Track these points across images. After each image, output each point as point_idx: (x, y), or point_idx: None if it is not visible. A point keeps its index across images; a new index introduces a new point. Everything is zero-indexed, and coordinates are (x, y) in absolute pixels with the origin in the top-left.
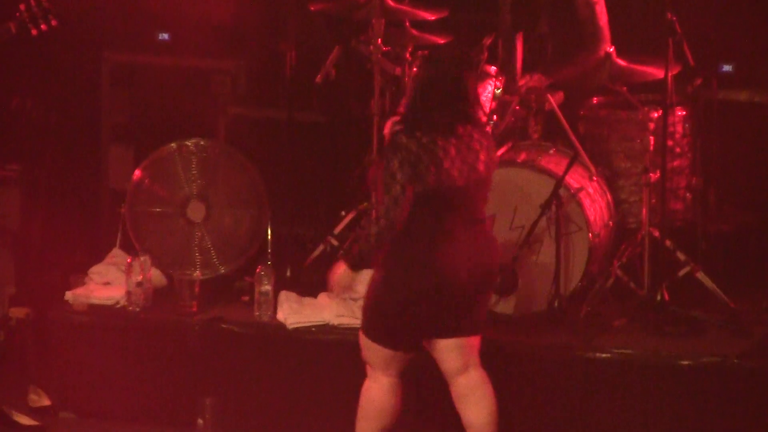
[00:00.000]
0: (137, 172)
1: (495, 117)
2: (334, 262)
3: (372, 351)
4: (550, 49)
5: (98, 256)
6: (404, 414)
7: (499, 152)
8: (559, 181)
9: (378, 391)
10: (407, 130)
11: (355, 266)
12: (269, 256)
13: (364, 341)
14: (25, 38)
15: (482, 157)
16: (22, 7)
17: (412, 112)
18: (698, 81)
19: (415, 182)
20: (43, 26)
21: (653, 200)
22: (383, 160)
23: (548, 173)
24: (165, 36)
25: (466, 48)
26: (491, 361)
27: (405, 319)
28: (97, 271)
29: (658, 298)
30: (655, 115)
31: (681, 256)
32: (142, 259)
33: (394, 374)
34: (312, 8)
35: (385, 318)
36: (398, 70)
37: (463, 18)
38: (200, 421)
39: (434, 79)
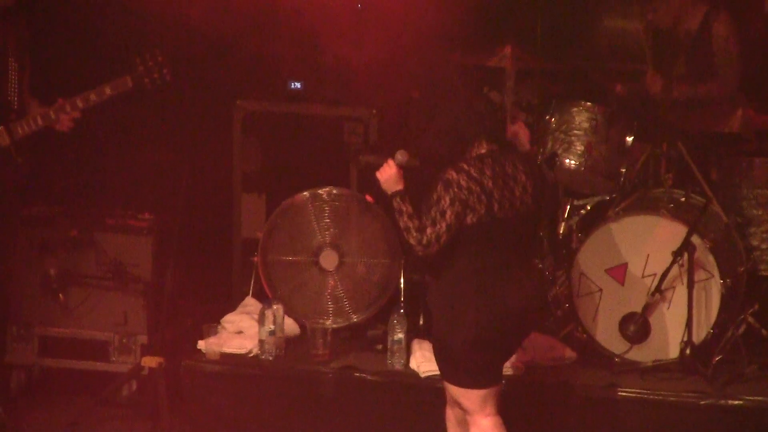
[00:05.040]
0: (270, 221)
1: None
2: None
3: (470, 397)
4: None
5: (231, 305)
6: None
7: (630, 199)
8: (692, 229)
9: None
10: (453, 165)
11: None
12: (402, 304)
13: (460, 391)
14: (141, 91)
15: (529, 188)
16: (136, 59)
17: (447, 145)
18: None
19: (465, 217)
20: (158, 81)
21: None
22: (431, 197)
23: (681, 220)
24: (297, 84)
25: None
26: (623, 408)
27: (494, 351)
28: (230, 320)
29: None
30: None
31: None
32: (274, 307)
33: (494, 411)
34: (445, 56)
35: (484, 357)
36: (529, 118)
37: (592, 66)
38: None
39: (460, 109)
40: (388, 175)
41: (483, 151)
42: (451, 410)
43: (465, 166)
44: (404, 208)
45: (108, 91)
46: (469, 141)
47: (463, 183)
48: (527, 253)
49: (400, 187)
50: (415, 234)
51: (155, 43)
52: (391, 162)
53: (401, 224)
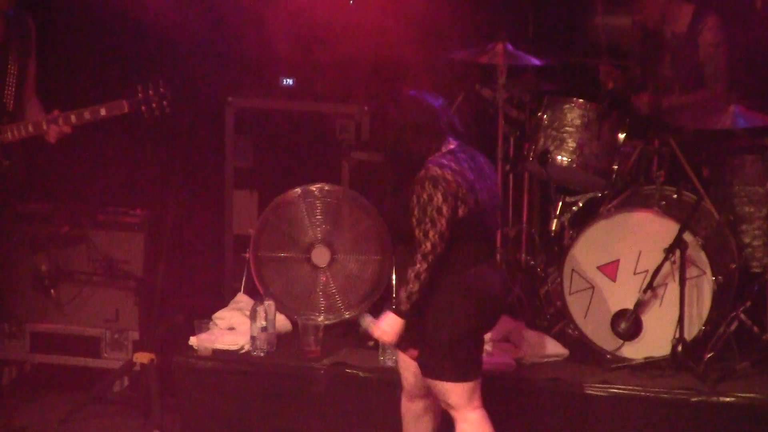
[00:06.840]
0: (262, 217)
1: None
2: (383, 314)
3: (459, 391)
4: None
5: (223, 301)
6: None
7: (622, 196)
8: (684, 226)
9: (475, 427)
10: (430, 161)
11: (407, 312)
12: (394, 300)
13: (447, 386)
14: (138, 118)
15: (495, 179)
16: (139, 88)
17: (425, 143)
18: None
19: (457, 210)
20: (156, 111)
21: None
22: (420, 197)
23: (672, 217)
24: (289, 81)
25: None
26: (615, 405)
27: (478, 342)
28: (222, 317)
29: None
30: None
31: None
32: (266, 304)
33: (480, 404)
34: (436, 53)
35: (472, 349)
36: (521, 115)
37: (581, 62)
38: None
39: (432, 109)
40: (390, 336)
41: (452, 146)
42: (411, 403)
43: (444, 161)
44: (414, 288)
45: (103, 112)
46: (442, 137)
47: (449, 177)
48: (495, 242)
49: (401, 317)
50: (420, 255)
51: (158, 72)
52: (374, 328)
53: (422, 278)
